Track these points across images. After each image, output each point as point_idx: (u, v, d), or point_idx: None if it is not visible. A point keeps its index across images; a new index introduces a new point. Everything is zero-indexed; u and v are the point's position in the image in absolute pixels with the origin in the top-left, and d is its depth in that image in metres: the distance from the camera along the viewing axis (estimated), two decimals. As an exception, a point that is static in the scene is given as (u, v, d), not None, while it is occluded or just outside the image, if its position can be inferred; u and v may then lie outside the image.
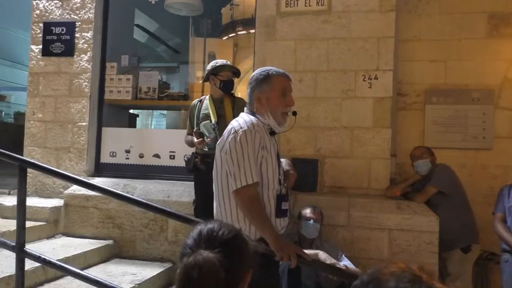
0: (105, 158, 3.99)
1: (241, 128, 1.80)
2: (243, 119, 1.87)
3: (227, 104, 3.01)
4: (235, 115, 2.80)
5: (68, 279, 2.62)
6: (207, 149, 2.92)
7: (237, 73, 3.13)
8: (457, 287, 3.06)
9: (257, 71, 1.96)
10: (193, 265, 0.93)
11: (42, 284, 2.60)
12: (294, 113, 1.99)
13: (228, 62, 3.08)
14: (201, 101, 3.13)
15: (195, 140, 2.92)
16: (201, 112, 3.07)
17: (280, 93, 1.88)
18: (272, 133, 1.97)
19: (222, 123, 2.86)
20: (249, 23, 6.73)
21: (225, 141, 1.83)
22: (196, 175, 3.05)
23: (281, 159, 2.09)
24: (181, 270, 0.94)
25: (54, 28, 3.94)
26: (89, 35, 3.90)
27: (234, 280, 0.97)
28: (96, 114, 3.96)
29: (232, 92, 3.18)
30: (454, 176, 3.26)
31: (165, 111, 8.60)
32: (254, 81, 1.92)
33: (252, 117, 1.88)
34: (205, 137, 2.91)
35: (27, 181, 2.49)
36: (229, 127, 1.89)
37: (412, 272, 0.72)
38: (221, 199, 1.87)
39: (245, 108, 1.99)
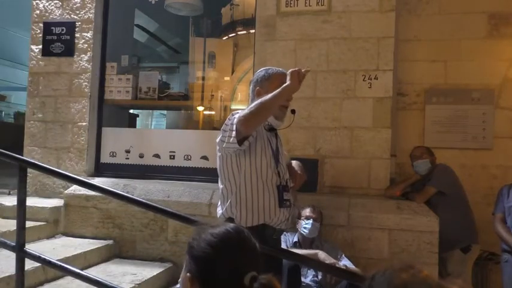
0: (105, 158, 3.98)
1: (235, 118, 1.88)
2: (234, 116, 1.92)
3: None
4: None
5: (68, 279, 2.62)
6: None
7: None
8: None
9: (258, 70, 2.07)
10: None
11: (42, 284, 2.59)
12: (293, 111, 2.01)
13: None
14: None
15: None
16: None
17: (278, 87, 1.89)
18: (271, 129, 1.99)
19: None
20: (249, 23, 6.72)
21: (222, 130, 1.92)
22: None
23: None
24: None
25: (54, 28, 3.94)
26: (89, 35, 3.90)
27: None
28: (96, 114, 3.96)
29: None
30: (454, 176, 3.26)
31: (165, 111, 8.59)
32: (255, 78, 2.03)
33: None
34: None
35: (27, 181, 2.49)
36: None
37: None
38: (225, 190, 1.94)
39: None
